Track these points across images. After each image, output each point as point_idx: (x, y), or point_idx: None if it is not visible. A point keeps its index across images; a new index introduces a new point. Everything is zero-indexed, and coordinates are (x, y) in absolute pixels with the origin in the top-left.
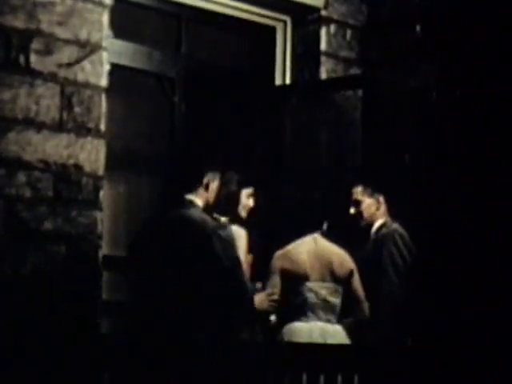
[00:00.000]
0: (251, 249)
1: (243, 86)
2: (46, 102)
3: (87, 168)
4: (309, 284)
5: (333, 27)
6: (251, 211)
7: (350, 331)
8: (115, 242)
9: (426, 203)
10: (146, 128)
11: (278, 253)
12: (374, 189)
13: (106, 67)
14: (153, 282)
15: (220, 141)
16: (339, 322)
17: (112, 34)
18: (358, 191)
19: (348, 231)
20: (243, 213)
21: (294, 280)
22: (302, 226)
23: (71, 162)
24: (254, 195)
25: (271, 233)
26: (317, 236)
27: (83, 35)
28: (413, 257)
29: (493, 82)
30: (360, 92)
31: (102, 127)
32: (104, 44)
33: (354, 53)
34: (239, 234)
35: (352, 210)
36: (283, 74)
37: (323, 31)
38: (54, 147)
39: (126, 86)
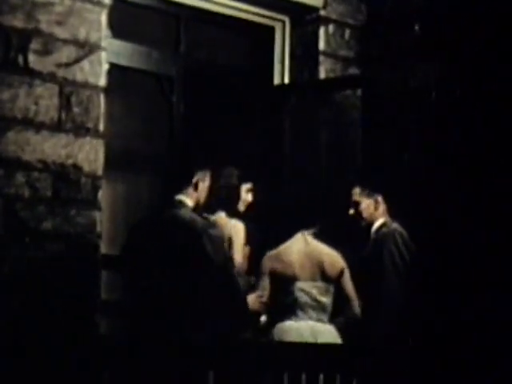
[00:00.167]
0: (249, 241)
1: (242, 86)
2: (45, 101)
3: (86, 168)
4: (299, 284)
5: (331, 27)
6: (249, 205)
7: (341, 330)
8: (114, 242)
9: (425, 203)
10: (145, 128)
11: (269, 254)
12: (371, 189)
13: (105, 67)
14: (145, 282)
15: (219, 141)
16: (331, 321)
17: (111, 33)
18: (357, 192)
19: (348, 231)
20: (242, 207)
21: (284, 280)
22: (297, 222)
23: (70, 161)
24: (253, 190)
25: (268, 227)
26: (308, 236)
27: (82, 35)
28: (413, 256)
29: (492, 82)
30: (359, 91)
31: (101, 127)
32: (103, 44)
33: (352, 52)
34: (238, 228)
35: (351, 211)
36: (282, 74)
37: (322, 31)
38: (53, 147)
39: (125, 85)
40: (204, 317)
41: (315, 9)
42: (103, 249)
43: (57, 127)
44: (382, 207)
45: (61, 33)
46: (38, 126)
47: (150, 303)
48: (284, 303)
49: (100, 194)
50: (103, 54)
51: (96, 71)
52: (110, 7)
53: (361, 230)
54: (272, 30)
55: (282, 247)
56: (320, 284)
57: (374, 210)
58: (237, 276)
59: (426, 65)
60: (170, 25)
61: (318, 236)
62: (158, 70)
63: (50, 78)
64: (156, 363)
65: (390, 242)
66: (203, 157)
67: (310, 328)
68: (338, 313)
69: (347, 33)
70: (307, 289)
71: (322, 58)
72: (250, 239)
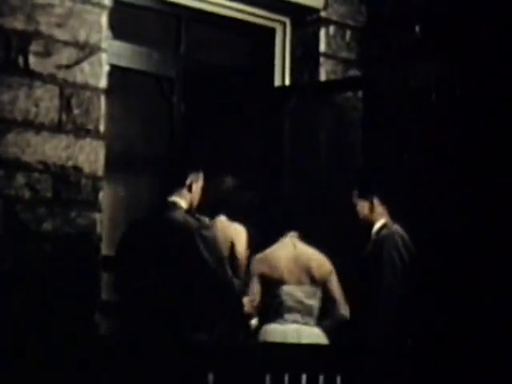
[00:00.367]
0: (250, 245)
1: (242, 87)
2: (45, 103)
3: (86, 169)
4: (285, 287)
5: (332, 28)
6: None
7: (328, 333)
8: (114, 243)
9: (426, 203)
10: (146, 129)
11: (257, 257)
12: (367, 191)
13: (105, 68)
14: (139, 283)
15: (219, 141)
16: (318, 324)
17: (111, 35)
18: (354, 194)
19: (348, 231)
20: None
21: (271, 283)
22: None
23: (70, 163)
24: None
25: (269, 231)
26: (296, 240)
27: (82, 37)
28: (413, 258)
29: (492, 82)
30: (360, 92)
31: (101, 128)
32: (103, 45)
33: (353, 54)
34: (239, 231)
35: (351, 212)
36: (282, 75)
37: (322, 32)
38: (53, 148)
39: (125, 87)
40: (199, 317)
41: (316, 10)
42: (103, 250)
43: (57, 128)
44: (380, 209)
45: (61, 34)
46: (39, 128)
47: (143, 303)
48: (271, 306)
49: (100, 195)
50: (103, 56)
51: (96, 72)
52: (110, 8)
53: (360, 231)
54: (273, 31)
55: (269, 250)
56: (307, 288)
57: (370, 212)
58: (233, 277)
59: (426, 65)
60: (170, 26)
61: (305, 238)
62: (158, 71)
63: (51, 79)
64: (156, 363)
65: (390, 244)
66: (196, 158)
67: (296, 331)
68: (325, 316)
69: (348, 34)
70: (293, 292)
71: (322, 59)
72: (251, 242)
